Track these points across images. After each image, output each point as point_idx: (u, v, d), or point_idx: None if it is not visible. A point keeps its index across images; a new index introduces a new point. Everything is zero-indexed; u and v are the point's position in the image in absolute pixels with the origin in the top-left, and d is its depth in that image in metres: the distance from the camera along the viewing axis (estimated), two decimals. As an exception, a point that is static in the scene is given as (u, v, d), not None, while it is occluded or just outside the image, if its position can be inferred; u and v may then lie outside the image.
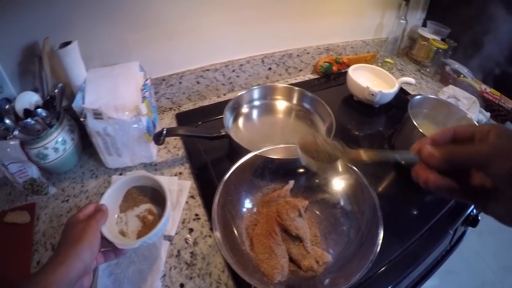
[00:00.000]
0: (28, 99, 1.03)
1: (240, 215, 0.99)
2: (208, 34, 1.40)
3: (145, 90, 1.08)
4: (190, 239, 1.00)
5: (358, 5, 1.80)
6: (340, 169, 0.82)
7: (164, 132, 1.10)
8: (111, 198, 0.88)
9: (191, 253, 0.97)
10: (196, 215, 1.07)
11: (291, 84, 1.56)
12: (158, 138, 1.11)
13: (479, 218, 1.28)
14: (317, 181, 1.07)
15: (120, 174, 1.18)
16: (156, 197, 0.95)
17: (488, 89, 1.75)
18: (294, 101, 1.50)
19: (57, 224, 1.02)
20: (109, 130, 1.04)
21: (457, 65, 1.87)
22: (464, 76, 1.82)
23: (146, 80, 1.13)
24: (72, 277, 0.64)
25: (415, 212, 1.14)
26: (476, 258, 2.79)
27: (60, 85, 1.08)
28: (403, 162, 0.63)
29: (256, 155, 0.98)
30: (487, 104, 1.71)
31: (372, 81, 1.66)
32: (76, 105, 1.03)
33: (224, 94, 1.64)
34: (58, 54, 1.02)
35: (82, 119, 1.03)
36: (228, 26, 1.43)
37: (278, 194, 1.03)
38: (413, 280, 1.20)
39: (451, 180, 0.52)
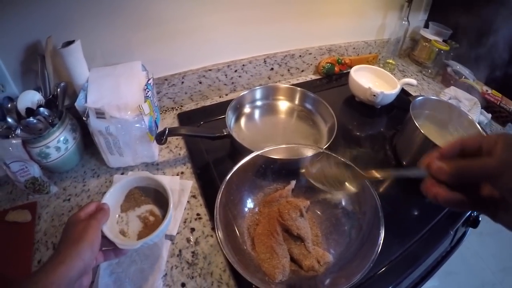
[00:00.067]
0: (31, 98, 1.04)
1: (241, 214, 1.00)
2: (211, 34, 1.41)
3: (147, 90, 1.08)
4: (192, 239, 1.01)
5: (361, 6, 1.80)
6: (355, 190, 0.82)
7: (166, 131, 1.10)
8: (112, 198, 0.89)
9: (193, 252, 0.97)
10: (198, 214, 1.07)
11: (293, 85, 1.57)
12: (160, 138, 1.11)
13: (480, 219, 1.28)
14: (318, 181, 1.08)
15: (122, 174, 1.18)
16: (159, 198, 0.95)
17: (490, 91, 1.75)
18: (296, 102, 1.50)
19: (58, 223, 1.02)
20: (111, 129, 1.04)
21: (458, 67, 1.87)
22: (466, 78, 1.82)
23: (149, 79, 1.13)
24: (72, 277, 0.64)
25: (416, 213, 1.14)
26: (476, 259, 2.79)
27: (62, 84, 1.08)
28: (409, 176, 0.63)
29: (258, 155, 0.98)
30: (488, 106, 1.71)
31: (374, 82, 1.66)
32: (78, 104, 1.03)
33: (226, 94, 1.64)
34: (61, 53, 1.02)
35: (84, 118, 1.03)
36: (230, 26, 1.43)
37: (279, 194, 1.03)
38: (413, 280, 1.20)
39: (460, 194, 0.52)
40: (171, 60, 1.40)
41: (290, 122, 1.45)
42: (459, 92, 1.70)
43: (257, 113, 1.46)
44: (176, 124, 1.43)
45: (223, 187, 0.89)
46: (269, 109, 1.48)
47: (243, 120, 1.40)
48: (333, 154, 1.01)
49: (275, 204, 1.01)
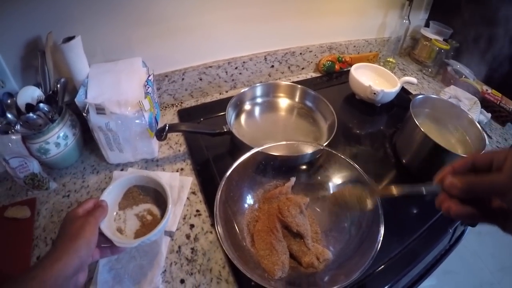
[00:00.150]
0: (31, 93, 1.03)
1: (241, 211, 1.00)
2: (211, 31, 1.41)
3: (147, 86, 1.08)
4: (191, 235, 1.01)
5: (362, 4, 1.80)
6: (370, 206, 0.84)
7: (166, 128, 1.10)
8: (111, 195, 0.89)
9: (192, 249, 0.97)
10: (197, 211, 1.07)
11: (293, 82, 1.56)
12: (160, 134, 1.11)
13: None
14: (318, 178, 1.08)
15: (122, 170, 1.18)
16: (158, 197, 0.96)
17: (490, 90, 1.75)
18: (297, 99, 1.50)
19: (57, 219, 1.02)
20: (111, 125, 1.04)
21: (459, 66, 1.87)
22: (466, 77, 1.82)
23: (149, 76, 1.13)
24: (69, 273, 0.65)
25: (415, 211, 1.14)
26: (475, 258, 2.79)
27: (62, 80, 1.08)
28: (424, 192, 0.66)
29: (258, 152, 0.99)
30: (488, 105, 1.71)
31: (374, 80, 1.66)
32: (78, 100, 1.03)
33: (226, 91, 1.64)
34: (61, 49, 1.02)
35: (84, 114, 1.03)
36: (231, 24, 1.43)
37: (279, 190, 1.03)
38: (412, 278, 1.21)
39: (471, 208, 0.55)
40: (171, 57, 1.40)
41: (290, 119, 1.45)
42: (459, 91, 1.70)
43: (257, 110, 1.46)
44: (176, 120, 1.43)
45: (223, 183, 0.90)
46: (269, 106, 1.48)
47: (243, 117, 1.40)
48: (333, 151, 1.01)
49: (274, 201, 1.01)
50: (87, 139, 1.20)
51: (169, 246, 0.97)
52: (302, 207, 0.98)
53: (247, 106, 1.44)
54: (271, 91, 1.50)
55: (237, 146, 1.22)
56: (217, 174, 1.15)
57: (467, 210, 0.55)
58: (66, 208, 1.05)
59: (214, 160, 1.22)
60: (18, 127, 0.95)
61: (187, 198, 1.11)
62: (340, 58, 1.85)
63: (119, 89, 1.06)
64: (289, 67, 1.77)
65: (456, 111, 1.34)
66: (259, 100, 1.48)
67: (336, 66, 1.84)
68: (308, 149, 1.09)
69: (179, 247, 0.98)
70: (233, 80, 1.61)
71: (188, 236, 1.00)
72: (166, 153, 1.26)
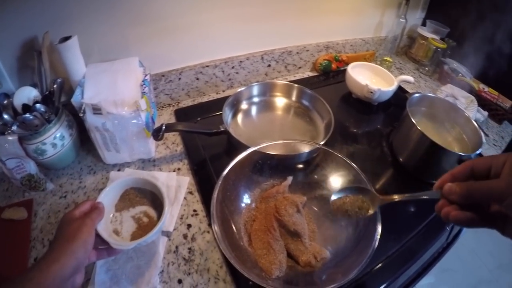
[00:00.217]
0: (27, 94, 1.03)
1: (238, 210, 1.00)
2: (208, 30, 1.40)
3: (144, 86, 1.08)
4: (188, 235, 1.01)
5: (358, 3, 1.80)
6: (372, 212, 0.84)
7: (163, 127, 1.10)
8: (107, 197, 0.89)
9: (189, 249, 0.97)
10: (194, 211, 1.07)
11: (290, 81, 1.56)
12: (157, 134, 1.11)
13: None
14: (315, 177, 1.08)
15: (119, 170, 1.17)
16: (154, 200, 0.96)
17: (486, 88, 1.75)
18: (293, 98, 1.50)
19: (54, 220, 1.01)
20: (108, 125, 1.04)
21: (455, 64, 1.87)
22: (463, 75, 1.82)
23: (146, 75, 1.12)
24: (66, 275, 0.65)
25: (412, 209, 1.15)
26: (473, 256, 2.80)
27: (59, 80, 1.08)
28: (424, 198, 0.67)
29: (254, 151, 0.99)
30: (485, 103, 1.71)
31: (371, 79, 1.66)
32: (75, 100, 1.02)
33: (223, 91, 1.63)
34: (58, 49, 1.02)
35: (81, 114, 1.03)
36: (228, 23, 1.43)
37: (276, 190, 1.03)
38: (410, 277, 1.21)
39: (470, 213, 0.56)
40: (168, 56, 1.40)
41: (287, 118, 1.45)
42: (456, 89, 1.70)
43: (254, 109, 1.46)
44: (173, 120, 1.42)
45: (219, 183, 0.89)
46: (266, 105, 1.48)
47: (240, 117, 1.40)
48: (330, 150, 1.01)
49: (272, 200, 1.01)
50: (83, 140, 1.20)
51: (166, 246, 0.97)
52: (299, 206, 0.98)
53: (244, 106, 1.44)
54: (268, 90, 1.50)
55: (234, 146, 1.22)
56: (214, 173, 1.15)
57: (466, 216, 0.56)
58: (63, 209, 1.05)
59: (211, 159, 1.22)
60: (14, 127, 0.95)
61: (184, 198, 1.11)
62: (336, 57, 1.85)
63: (115, 89, 1.06)
64: (286, 66, 1.77)
65: (452, 109, 1.34)
66: (256, 99, 1.48)
67: (333, 65, 1.84)
68: (305, 148, 1.09)
69: (177, 247, 0.97)
70: (230, 79, 1.61)
71: (185, 236, 1.00)
72: (163, 153, 1.26)
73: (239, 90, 1.40)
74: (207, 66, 1.48)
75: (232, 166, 0.94)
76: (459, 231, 1.39)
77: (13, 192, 1.08)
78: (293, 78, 1.80)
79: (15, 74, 1.10)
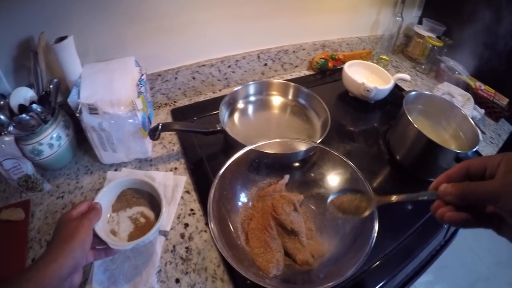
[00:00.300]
0: (23, 94, 1.03)
1: (235, 209, 1.00)
2: (204, 30, 1.40)
3: (140, 85, 1.08)
4: (186, 234, 1.01)
5: (355, 2, 1.80)
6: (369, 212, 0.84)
7: (160, 127, 1.10)
8: (105, 197, 0.90)
9: (187, 248, 0.97)
10: (191, 210, 1.07)
11: (286, 80, 1.56)
12: (154, 133, 1.11)
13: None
14: (312, 175, 1.08)
15: (115, 170, 1.17)
16: (152, 201, 0.96)
17: (483, 86, 1.76)
18: (290, 97, 1.50)
19: (52, 221, 1.01)
20: (105, 125, 1.04)
21: (452, 63, 1.88)
22: (459, 73, 1.82)
23: (142, 75, 1.12)
24: (64, 274, 0.65)
25: (409, 207, 1.15)
26: (470, 253, 2.80)
27: (55, 80, 1.07)
28: (419, 199, 0.68)
29: (251, 149, 0.99)
30: (481, 101, 1.72)
31: (367, 77, 1.66)
32: (71, 100, 1.02)
33: (220, 90, 1.63)
34: (54, 49, 1.01)
35: (77, 114, 1.02)
36: (224, 22, 1.43)
37: (273, 188, 1.03)
38: (407, 275, 1.21)
39: (465, 214, 0.56)
40: (164, 56, 1.40)
41: (283, 117, 1.45)
42: (453, 87, 1.71)
43: (250, 108, 1.46)
44: (169, 120, 1.42)
45: (216, 182, 0.89)
46: (263, 104, 1.48)
47: (236, 116, 1.40)
48: (327, 148, 1.02)
49: (268, 199, 1.01)
50: (80, 140, 1.20)
51: (163, 245, 0.97)
52: (296, 205, 0.98)
53: (240, 105, 1.44)
54: (264, 89, 1.50)
55: (230, 145, 1.22)
56: (211, 172, 1.15)
57: (461, 216, 0.56)
58: (60, 209, 1.05)
59: (208, 159, 1.21)
60: (11, 128, 0.94)
61: (181, 197, 1.10)
62: (333, 56, 1.85)
63: (112, 88, 1.06)
64: (282, 65, 1.77)
65: (449, 107, 1.34)
66: (252, 98, 1.48)
67: (329, 64, 1.84)
68: (302, 147, 1.09)
69: (174, 246, 0.97)
70: (226, 78, 1.61)
71: (182, 235, 1.00)
72: (160, 152, 1.26)
73: (235, 89, 1.40)
74: (203, 66, 1.48)
75: (229, 165, 0.94)
76: (457, 229, 1.40)
77: (10, 193, 1.08)
78: (289, 77, 1.81)
79: (11, 75, 1.10)
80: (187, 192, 1.13)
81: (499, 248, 2.80)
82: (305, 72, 1.87)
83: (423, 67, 2.02)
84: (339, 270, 0.79)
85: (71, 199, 1.08)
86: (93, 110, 1.01)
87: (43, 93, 1.05)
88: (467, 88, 1.74)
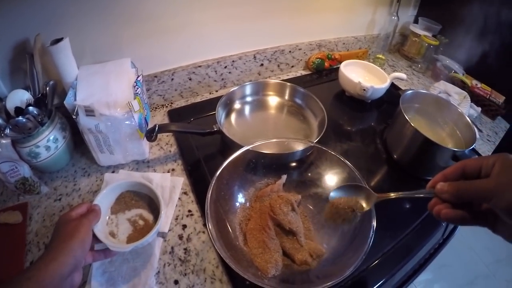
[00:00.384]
0: (19, 97, 1.03)
1: (233, 210, 1.00)
2: (201, 30, 1.40)
3: (137, 87, 1.08)
4: (184, 235, 1.01)
5: (350, 1, 1.81)
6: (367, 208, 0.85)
7: (156, 128, 1.10)
8: (104, 199, 0.90)
9: (185, 249, 0.97)
10: (189, 211, 1.07)
11: (283, 80, 1.56)
12: (151, 135, 1.10)
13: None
14: (310, 175, 1.08)
15: (113, 172, 1.17)
16: (150, 203, 0.97)
17: (479, 84, 1.76)
18: (286, 97, 1.50)
19: (49, 223, 1.01)
20: (101, 127, 1.04)
21: (448, 61, 1.88)
22: (455, 72, 1.83)
23: (138, 76, 1.12)
24: (64, 273, 0.65)
25: (407, 206, 1.15)
26: (469, 251, 2.81)
27: (51, 82, 1.07)
28: (416, 195, 0.70)
29: (248, 150, 0.99)
30: (478, 99, 1.72)
31: (363, 76, 1.66)
32: (68, 102, 1.02)
33: (216, 91, 1.63)
34: (50, 51, 1.01)
35: (74, 116, 1.02)
36: (220, 23, 1.43)
37: (271, 188, 1.04)
38: (406, 273, 1.21)
39: (461, 211, 0.59)
40: (160, 57, 1.40)
41: (280, 117, 1.45)
42: (449, 86, 1.71)
43: (247, 108, 1.46)
44: (166, 121, 1.42)
45: (213, 182, 0.90)
46: (259, 104, 1.48)
47: (233, 116, 1.39)
48: (324, 148, 1.02)
49: (266, 199, 1.02)
50: (77, 142, 1.20)
51: (161, 247, 0.97)
52: (294, 205, 0.98)
53: (237, 105, 1.44)
54: (260, 89, 1.50)
55: (227, 145, 1.22)
56: (208, 173, 1.15)
57: (458, 214, 0.58)
58: (58, 212, 1.04)
59: (205, 159, 1.21)
60: (7, 131, 0.94)
61: (179, 198, 1.10)
62: (329, 56, 1.86)
63: (108, 90, 1.06)
64: (278, 65, 1.77)
65: (446, 105, 1.35)
66: (249, 98, 1.48)
67: (325, 64, 1.84)
68: (299, 147, 1.09)
69: (172, 248, 0.97)
70: (222, 79, 1.61)
71: (180, 237, 1.00)
72: (157, 154, 1.26)
73: (232, 89, 1.39)
74: (199, 66, 1.48)
75: (226, 166, 0.94)
76: (455, 227, 1.40)
77: (7, 196, 1.08)
78: (286, 77, 1.81)
79: (7, 77, 1.09)
80: (185, 193, 1.12)
81: (498, 246, 2.80)
82: (301, 72, 1.88)
83: (419, 66, 2.03)
84: (338, 270, 0.79)
85: (68, 202, 1.07)
86: (89, 112, 1.00)
87: (40, 95, 1.05)
88: (463, 86, 1.75)
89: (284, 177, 1.07)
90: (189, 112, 1.44)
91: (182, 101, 1.55)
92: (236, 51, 1.59)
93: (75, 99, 1.02)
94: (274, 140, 1.04)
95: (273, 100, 1.50)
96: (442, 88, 1.70)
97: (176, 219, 1.05)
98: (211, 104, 1.34)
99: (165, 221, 1.02)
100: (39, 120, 1.01)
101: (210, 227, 0.81)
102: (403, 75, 1.54)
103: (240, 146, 0.99)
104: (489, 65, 1.64)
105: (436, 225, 1.13)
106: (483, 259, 2.76)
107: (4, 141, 0.92)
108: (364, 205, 0.84)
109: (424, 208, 1.09)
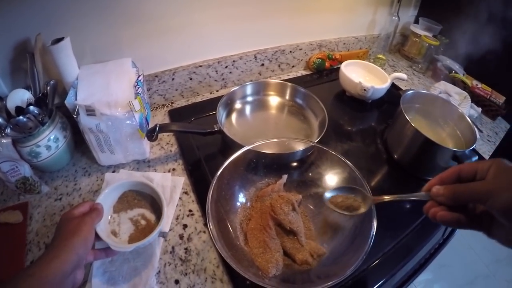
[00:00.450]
0: (20, 96, 1.03)
1: (234, 210, 1.00)
2: (201, 30, 1.40)
3: (137, 87, 1.08)
4: (184, 235, 1.00)
5: (351, 1, 1.80)
6: (364, 210, 0.85)
7: (157, 128, 1.10)
8: (106, 198, 0.90)
9: (186, 249, 0.97)
10: (190, 211, 1.07)
11: (284, 80, 1.56)
12: (151, 134, 1.10)
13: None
14: (310, 175, 1.08)
15: (113, 172, 1.17)
16: (153, 203, 0.97)
17: (480, 85, 1.76)
18: (287, 97, 1.50)
19: (50, 223, 1.01)
20: (102, 126, 1.04)
21: (448, 61, 1.88)
22: (456, 72, 1.83)
23: (139, 76, 1.12)
24: (67, 270, 0.66)
25: (407, 206, 1.15)
26: (469, 251, 2.81)
27: (52, 82, 1.07)
28: (412, 198, 0.70)
29: (249, 150, 0.99)
30: (478, 100, 1.72)
31: (364, 76, 1.66)
32: (68, 101, 1.02)
33: (217, 90, 1.63)
34: (51, 51, 1.01)
35: (74, 116, 1.02)
36: (221, 22, 1.43)
37: (271, 188, 1.04)
38: (407, 273, 1.21)
39: (457, 214, 0.59)
40: (161, 57, 1.39)
41: (281, 117, 1.45)
42: (449, 86, 1.71)
43: (248, 108, 1.46)
44: (167, 121, 1.42)
45: (214, 182, 0.90)
46: (260, 104, 1.48)
47: (234, 116, 1.39)
48: (325, 148, 1.02)
49: (267, 199, 1.02)
50: (78, 142, 1.20)
51: (162, 247, 0.97)
52: (294, 204, 0.98)
53: (237, 105, 1.44)
54: (261, 89, 1.50)
55: (228, 145, 1.22)
56: (209, 173, 1.15)
57: (454, 216, 0.59)
58: (58, 211, 1.04)
59: (206, 159, 1.21)
60: (8, 130, 0.94)
61: (180, 198, 1.10)
62: (330, 56, 1.85)
63: (109, 90, 1.06)
64: (279, 65, 1.77)
65: (446, 106, 1.35)
66: (249, 98, 1.48)
67: (326, 64, 1.84)
68: (300, 146, 1.09)
69: (173, 247, 0.97)
70: (223, 79, 1.61)
71: (181, 236, 1.00)
72: (158, 153, 1.26)
73: (232, 89, 1.39)
74: (200, 66, 1.48)
75: (227, 165, 0.94)
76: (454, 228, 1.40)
77: (8, 196, 1.08)
78: (286, 77, 1.81)
79: (8, 77, 1.09)
80: (186, 193, 1.12)
81: (498, 246, 2.72)
82: (302, 72, 1.88)
83: (419, 66, 2.03)
84: (339, 269, 0.79)
85: (69, 201, 1.07)
86: (90, 111, 1.00)
87: (40, 95, 1.05)
88: (463, 86, 1.75)
89: (285, 177, 1.07)
90: (189, 112, 1.44)
91: (182, 101, 1.55)
92: (236, 51, 1.59)
93: (75, 99, 1.02)
94: (275, 140, 1.04)
95: (273, 100, 1.50)
96: (442, 88, 1.70)
97: (177, 218, 1.05)
98: (212, 104, 1.34)
99: (166, 221, 1.02)
100: (40, 119, 1.01)
101: (211, 226, 0.81)
102: (403, 75, 1.54)
103: (241, 146, 0.99)
104: (490, 66, 1.65)
105: (436, 226, 1.13)
106: (483, 259, 2.76)
107: (4, 141, 0.92)
108: (361, 206, 0.85)
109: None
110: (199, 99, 1.56)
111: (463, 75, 1.83)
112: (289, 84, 1.48)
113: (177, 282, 0.90)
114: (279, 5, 1.53)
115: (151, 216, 0.95)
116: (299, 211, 1.00)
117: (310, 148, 1.10)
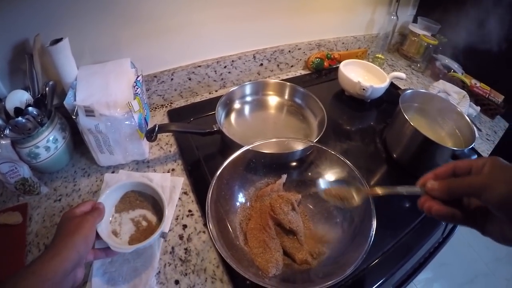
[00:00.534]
0: (19, 97, 1.02)
1: (233, 210, 1.00)
2: (200, 30, 1.40)
3: (136, 87, 1.08)
4: (184, 235, 1.00)
5: (350, 1, 1.80)
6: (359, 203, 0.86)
7: (156, 128, 1.10)
8: (108, 198, 0.91)
9: (185, 249, 0.97)
10: (190, 211, 1.07)
11: (282, 80, 1.56)
12: (150, 135, 1.10)
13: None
14: (309, 175, 1.08)
15: (113, 172, 1.17)
16: (154, 204, 0.97)
17: (478, 84, 1.76)
18: (286, 97, 1.50)
19: (49, 224, 1.01)
20: (101, 127, 1.04)
21: (447, 60, 1.89)
22: (454, 71, 1.83)
23: (138, 76, 1.12)
24: (67, 268, 0.66)
25: (407, 204, 1.15)
26: (469, 250, 2.81)
27: (51, 83, 1.07)
28: (406, 193, 0.70)
29: (248, 149, 0.99)
30: (477, 99, 1.72)
31: (363, 76, 1.66)
32: (67, 102, 1.02)
33: (216, 91, 1.63)
34: (49, 51, 1.01)
35: (73, 117, 1.02)
36: (220, 22, 1.43)
37: (271, 188, 1.04)
38: (406, 272, 1.21)
39: (451, 208, 0.59)
40: (160, 57, 1.39)
41: (280, 117, 1.45)
42: (448, 85, 1.71)
43: (247, 108, 1.46)
44: (166, 121, 1.42)
45: (213, 182, 0.90)
46: (259, 104, 1.48)
47: (233, 116, 1.39)
48: (324, 147, 1.02)
49: (266, 199, 1.02)
50: (77, 142, 1.19)
51: (162, 247, 0.97)
52: (294, 204, 0.98)
53: (236, 105, 1.44)
54: (260, 89, 1.49)
55: (227, 145, 1.22)
56: (208, 173, 1.15)
57: (449, 210, 0.59)
58: (58, 212, 1.04)
59: (205, 159, 1.21)
60: (7, 131, 0.94)
61: (179, 198, 1.10)
62: (328, 55, 1.85)
63: (107, 90, 1.06)
64: (278, 65, 1.77)
65: (445, 105, 1.35)
66: (248, 98, 1.48)
67: (325, 63, 1.84)
68: (299, 146, 1.09)
69: (173, 248, 0.97)
70: (222, 79, 1.61)
71: (181, 237, 1.00)
72: (157, 154, 1.26)
73: (231, 89, 1.39)
74: (199, 66, 1.48)
75: (226, 165, 0.94)
76: (454, 226, 1.40)
77: (7, 197, 1.08)
78: (285, 77, 1.81)
79: (7, 78, 1.09)
80: (185, 193, 1.12)
81: (498, 245, 2.77)
82: (301, 72, 1.88)
83: (418, 65, 2.03)
84: (338, 269, 0.79)
85: (68, 202, 1.07)
86: (89, 112, 1.00)
87: (39, 95, 1.05)
88: (462, 85, 1.75)
89: (284, 176, 1.08)
90: (188, 112, 1.44)
91: (181, 101, 1.55)
92: (235, 51, 1.59)
93: (74, 100, 1.01)
94: (274, 139, 1.04)
95: (272, 100, 1.50)
96: (441, 87, 1.71)
97: (177, 219, 1.05)
98: (211, 104, 1.34)
99: (166, 222, 1.01)
100: (39, 120, 1.01)
101: (210, 227, 0.81)
102: (402, 75, 1.54)
103: (240, 146, 0.99)
104: (488, 64, 1.65)
105: (436, 224, 1.13)
106: (482, 258, 2.76)
107: (3, 142, 0.92)
108: (355, 198, 0.85)
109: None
110: (198, 99, 1.56)
111: (462, 74, 1.83)
112: (288, 84, 1.48)
113: (177, 282, 0.90)
114: (278, 5, 1.53)
115: (152, 218, 0.95)
116: (299, 210, 1.01)
117: (309, 148, 1.10)
